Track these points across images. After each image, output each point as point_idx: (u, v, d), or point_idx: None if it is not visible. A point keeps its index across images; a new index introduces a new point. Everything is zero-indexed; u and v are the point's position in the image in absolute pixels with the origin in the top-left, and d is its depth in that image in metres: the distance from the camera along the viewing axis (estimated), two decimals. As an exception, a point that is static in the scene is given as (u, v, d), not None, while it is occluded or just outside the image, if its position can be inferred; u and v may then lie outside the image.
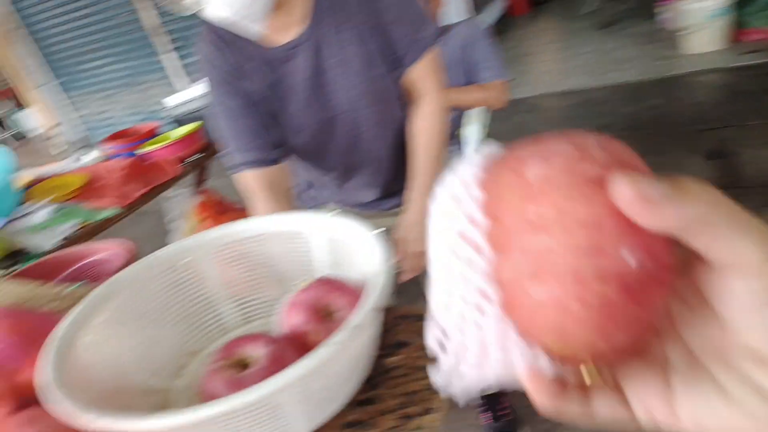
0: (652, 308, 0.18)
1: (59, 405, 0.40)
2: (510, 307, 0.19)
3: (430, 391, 0.50)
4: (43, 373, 0.44)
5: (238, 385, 0.43)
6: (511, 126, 2.83)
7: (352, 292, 0.52)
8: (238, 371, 0.45)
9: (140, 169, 1.62)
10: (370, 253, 0.53)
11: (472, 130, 1.51)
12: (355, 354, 0.48)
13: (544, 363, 0.20)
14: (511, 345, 0.20)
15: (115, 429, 0.37)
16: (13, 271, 1.01)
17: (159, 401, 0.54)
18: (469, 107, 1.46)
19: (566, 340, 0.19)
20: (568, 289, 0.18)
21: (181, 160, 1.71)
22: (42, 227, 1.38)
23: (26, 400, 0.57)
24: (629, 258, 0.17)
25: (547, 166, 0.19)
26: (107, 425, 0.37)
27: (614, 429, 0.21)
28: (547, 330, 0.19)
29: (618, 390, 0.21)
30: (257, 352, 0.46)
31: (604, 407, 0.21)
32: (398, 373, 0.53)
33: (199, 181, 1.85)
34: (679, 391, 0.19)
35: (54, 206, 1.46)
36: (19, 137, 4.91)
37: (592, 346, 0.18)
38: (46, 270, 0.99)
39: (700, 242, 0.17)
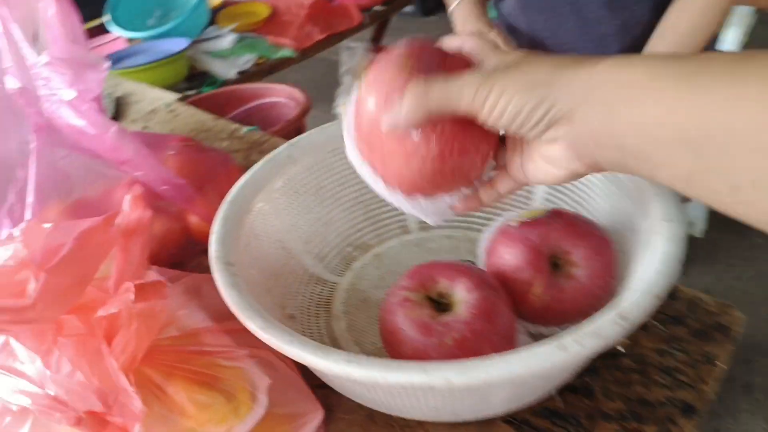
0: (463, 148, 0.30)
1: (226, 293, 0.32)
2: (390, 185, 0.32)
3: (675, 408, 0.35)
4: (213, 242, 0.37)
5: (431, 334, 0.32)
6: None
7: (599, 246, 0.37)
8: (433, 313, 0.34)
9: (324, 10, 1.52)
10: (638, 193, 0.37)
11: (731, 35, 1.15)
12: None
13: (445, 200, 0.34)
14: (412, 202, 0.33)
15: (281, 348, 0.29)
16: (194, 95, 1.01)
17: (323, 294, 0.46)
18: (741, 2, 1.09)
19: (434, 188, 0.32)
20: (403, 170, 0.31)
21: (364, 8, 1.57)
22: (224, 54, 1.37)
23: (195, 244, 0.54)
24: (417, 137, 0.29)
25: (380, 74, 0.30)
26: (274, 342, 0.29)
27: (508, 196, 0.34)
28: (415, 188, 0.32)
29: (507, 173, 0.33)
30: (461, 294, 0.34)
31: (503, 186, 0.34)
32: (625, 364, 0.39)
33: (377, 37, 1.71)
34: (524, 165, 0.31)
35: (237, 35, 1.44)
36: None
37: (449, 185, 0.32)
38: (221, 101, 0.96)
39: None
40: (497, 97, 0.25)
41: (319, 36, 1.48)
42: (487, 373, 0.26)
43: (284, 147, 0.47)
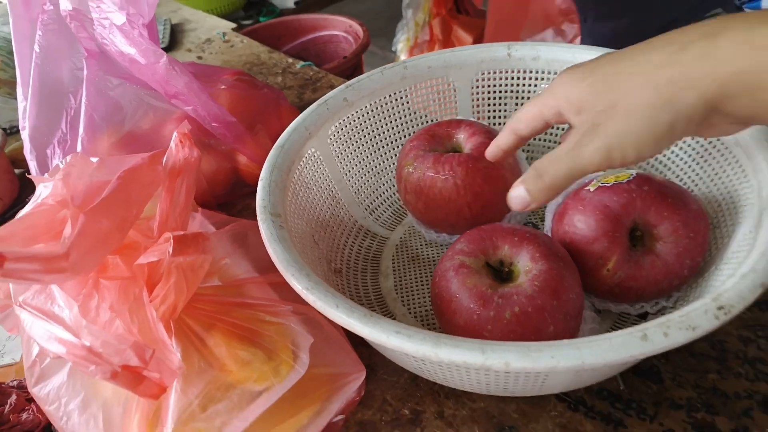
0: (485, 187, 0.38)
1: (271, 247, 0.30)
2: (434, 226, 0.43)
3: (754, 402, 0.32)
4: (260, 191, 0.35)
5: (489, 306, 0.29)
6: None
7: (693, 221, 0.32)
8: (492, 282, 0.31)
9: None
10: (752, 160, 0.32)
11: None
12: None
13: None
14: None
15: (326, 312, 0.27)
16: (251, 25, 0.97)
17: (371, 248, 0.44)
18: None
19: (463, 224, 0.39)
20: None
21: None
22: (282, -18, 1.31)
23: (244, 185, 0.53)
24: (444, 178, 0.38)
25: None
26: (319, 306, 0.27)
27: None
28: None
29: None
30: (525, 264, 0.31)
31: None
32: (701, 349, 0.35)
33: (444, -33, 1.59)
34: None
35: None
36: None
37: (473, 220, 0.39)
38: (278, 32, 0.92)
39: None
40: (624, 151, 0.23)
41: (381, -36, 1.39)
42: (552, 360, 0.23)
43: (340, 90, 0.44)
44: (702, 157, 0.37)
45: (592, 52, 0.43)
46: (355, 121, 0.45)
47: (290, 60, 0.75)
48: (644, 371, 0.34)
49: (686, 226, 0.32)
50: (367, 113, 0.45)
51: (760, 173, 0.31)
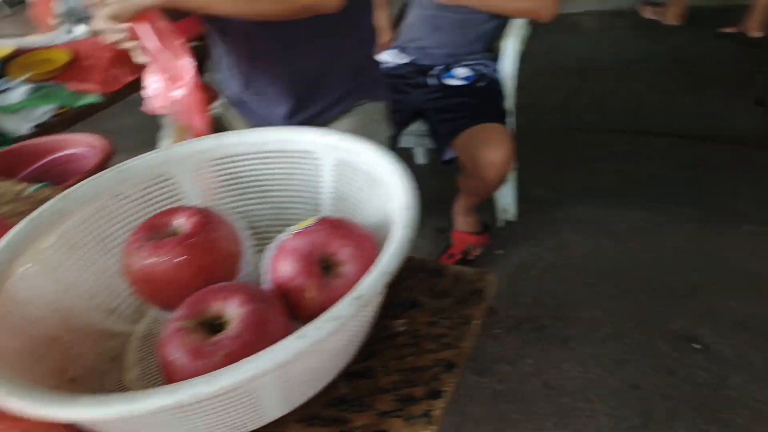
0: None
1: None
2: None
3: (439, 368, 0.41)
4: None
5: (202, 356, 0.34)
6: (546, 45, 2.52)
7: (361, 242, 0.41)
8: (206, 336, 0.35)
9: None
10: (390, 191, 0.42)
11: (510, 44, 1.33)
12: (356, 327, 0.38)
13: None
14: None
15: (28, 412, 0.28)
16: (-26, 159, 0.91)
17: (115, 348, 0.45)
18: (512, 16, 1.29)
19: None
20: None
21: (175, 46, 1.53)
22: (17, 108, 1.25)
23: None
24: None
25: None
26: (17, 406, 0.28)
27: None
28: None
29: None
30: (232, 312, 0.36)
31: None
32: (402, 341, 0.44)
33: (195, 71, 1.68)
34: None
35: (32, 85, 1.32)
36: (15, 3, 4.36)
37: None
38: (12, 161, 0.88)
39: None
40: None
41: (128, 77, 1.41)
42: (235, 376, 0.28)
43: (53, 201, 0.45)
44: (370, 196, 0.47)
45: (288, 132, 0.52)
46: (76, 228, 0.46)
47: (21, 186, 0.72)
48: (360, 373, 0.41)
49: (358, 248, 0.41)
50: (90, 218, 0.47)
51: (393, 196, 0.42)
